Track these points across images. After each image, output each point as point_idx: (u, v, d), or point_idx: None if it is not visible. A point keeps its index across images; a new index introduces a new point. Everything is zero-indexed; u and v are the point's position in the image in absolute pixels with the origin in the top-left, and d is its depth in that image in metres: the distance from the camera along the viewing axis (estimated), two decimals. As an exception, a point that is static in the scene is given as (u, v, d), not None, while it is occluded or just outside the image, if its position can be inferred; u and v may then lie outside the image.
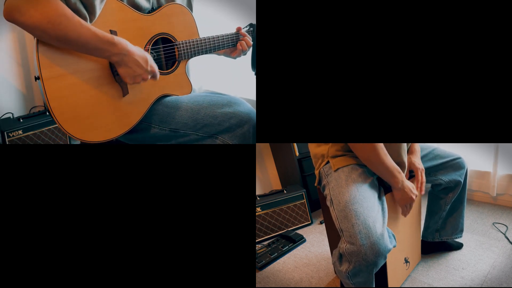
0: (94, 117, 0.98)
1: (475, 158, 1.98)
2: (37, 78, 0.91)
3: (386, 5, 0.77)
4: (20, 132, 2.06)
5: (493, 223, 1.74)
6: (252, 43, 1.26)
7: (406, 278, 1.35)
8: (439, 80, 0.77)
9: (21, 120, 2.10)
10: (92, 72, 0.97)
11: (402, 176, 1.09)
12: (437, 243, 1.48)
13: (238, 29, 1.25)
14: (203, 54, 1.19)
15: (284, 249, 1.71)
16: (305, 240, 1.81)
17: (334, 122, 0.81)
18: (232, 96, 1.16)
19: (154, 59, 1.06)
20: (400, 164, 1.11)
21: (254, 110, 1.12)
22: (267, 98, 0.82)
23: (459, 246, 1.52)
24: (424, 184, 1.18)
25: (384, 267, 1.15)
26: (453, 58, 0.76)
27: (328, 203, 1.12)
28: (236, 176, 0.82)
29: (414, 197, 1.11)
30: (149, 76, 1.02)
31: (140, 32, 1.05)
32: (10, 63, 2.27)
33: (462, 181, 1.32)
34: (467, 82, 0.77)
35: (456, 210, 1.41)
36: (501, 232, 1.64)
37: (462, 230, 1.45)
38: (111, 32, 0.98)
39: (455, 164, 1.30)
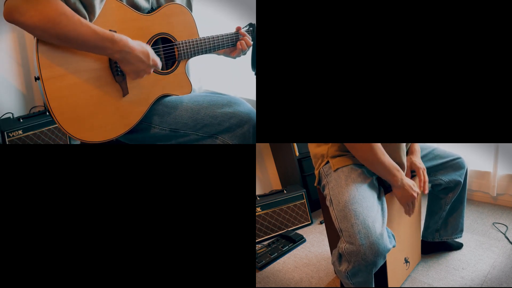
0: (94, 117, 0.98)
1: (475, 158, 1.97)
2: (37, 79, 0.91)
3: (386, 5, 0.77)
4: (20, 132, 2.06)
5: (493, 223, 1.74)
6: (251, 42, 1.27)
7: (406, 278, 1.35)
8: (439, 80, 0.77)
9: (21, 120, 2.10)
10: (92, 72, 0.97)
11: (401, 174, 1.09)
12: (437, 243, 1.48)
13: (238, 28, 1.25)
14: (203, 54, 1.20)
15: (284, 249, 1.71)
16: (305, 240, 1.81)
17: (334, 122, 0.81)
18: (232, 96, 1.16)
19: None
20: (400, 164, 1.11)
21: (254, 110, 1.12)
22: (267, 98, 0.82)
23: (459, 246, 1.52)
24: (427, 183, 1.17)
25: (384, 267, 1.15)
26: (452, 58, 0.76)
27: (327, 203, 1.12)
28: (236, 176, 0.82)
29: (415, 194, 1.10)
30: (152, 70, 1.03)
31: (139, 32, 1.05)
32: (10, 63, 2.27)
33: (462, 181, 1.32)
34: (467, 82, 0.77)
35: (456, 210, 1.41)
36: (501, 232, 1.64)
37: (462, 230, 1.45)
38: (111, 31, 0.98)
39: (455, 164, 1.30)
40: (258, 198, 1.90)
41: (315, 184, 1.26)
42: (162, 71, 1.12)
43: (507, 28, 0.74)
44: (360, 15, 0.78)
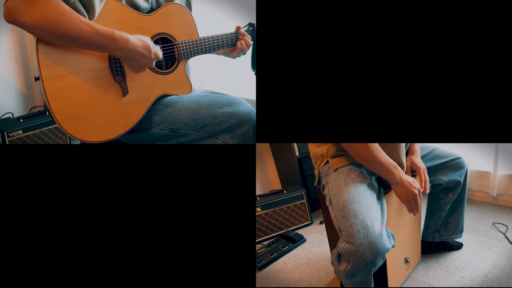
0: (94, 117, 0.98)
1: (475, 158, 1.97)
2: (37, 79, 0.91)
3: (386, 5, 0.77)
4: (20, 132, 2.06)
5: (493, 223, 1.74)
6: (251, 42, 1.27)
7: (406, 278, 1.35)
8: (438, 80, 0.77)
9: (21, 120, 2.10)
10: (92, 72, 0.97)
11: (399, 171, 1.08)
12: (437, 243, 1.48)
13: (238, 28, 1.25)
14: (202, 53, 1.20)
15: (284, 249, 1.71)
16: (305, 240, 1.81)
17: (334, 122, 0.81)
18: (232, 96, 1.16)
19: (154, 59, 1.07)
20: (399, 164, 1.11)
21: (254, 110, 1.12)
22: (267, 98, 0.82)
23: (459, 246, 1.52)
24: (428, 182, 1.16)
25: (384, 267, 1.15)
26: (452, 58, 0.76)
27: (327, 202, 1.12)
28: (236, 176, 0.82)
29: (415, 191, 1.08)
30: (154, 63, 1.04)
31: (139, 32, 1.05)
32: (10, 63, 2.27)
33: (462, 181, 1.32)
34: (466, 82, 0.77)
35: (456, 210, 1.41)
36: (501, 232, 1.64)
37: (462, 230, 1.45)
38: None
39: (455, 164, 1.30)
40: (258, 198, 1.90)
41: (315, 184, 1.27)
42: (162, 71, 1.12)
43: (506, 28, 0.74)
44: (359, 15, 0.78)
